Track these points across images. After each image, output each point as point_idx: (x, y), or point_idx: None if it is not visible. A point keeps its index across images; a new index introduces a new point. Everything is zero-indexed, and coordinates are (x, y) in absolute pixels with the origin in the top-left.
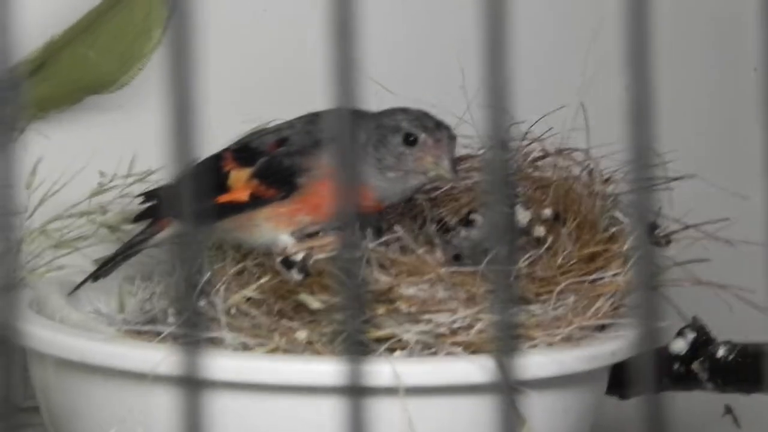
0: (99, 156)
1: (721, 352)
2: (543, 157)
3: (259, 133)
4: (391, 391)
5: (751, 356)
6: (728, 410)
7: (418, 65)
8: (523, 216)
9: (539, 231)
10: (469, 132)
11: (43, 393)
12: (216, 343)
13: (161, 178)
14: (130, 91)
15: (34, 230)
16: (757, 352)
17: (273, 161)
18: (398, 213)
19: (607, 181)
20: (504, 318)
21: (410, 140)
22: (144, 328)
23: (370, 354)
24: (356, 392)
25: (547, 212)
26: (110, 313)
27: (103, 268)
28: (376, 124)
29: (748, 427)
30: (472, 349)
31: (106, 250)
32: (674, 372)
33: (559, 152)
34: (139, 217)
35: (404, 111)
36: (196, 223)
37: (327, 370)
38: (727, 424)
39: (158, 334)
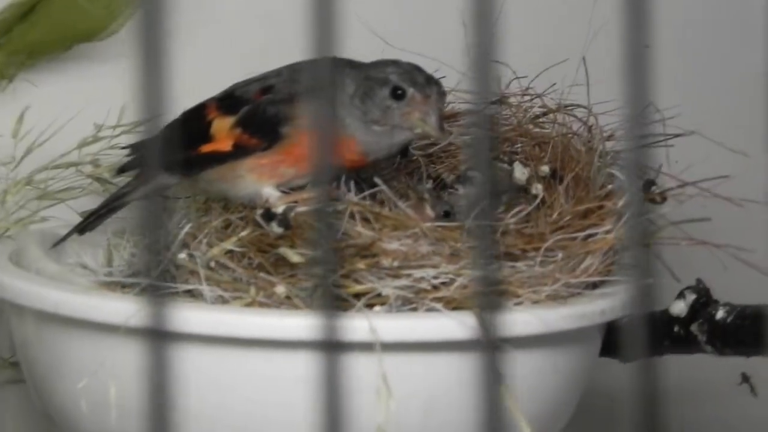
0: (88, 106)
1: (720, 314)
2: (544, 114)
3: (246, 81)
4: (367, 346)
5: (750, 318)
6: (745, 378)
7: (420, 20)
8: (521, 173)
9: (537, 188)
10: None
11: (22, 347)
12: (195, 295)
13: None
14: (120, 40)
15: (19, 180)
16: (756, 314)
17: (257, 109)
18: (394, 168)
19: (607, 137)
20: (487, 273)
21: (398, 94)
22: (122, 280)
23: (346, 308)
24: (331, 347)
25: (545, 169)
26: (96, 267)
27: (89, 221)
28: (365, 75)
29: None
30: (453, 305)
31: (92, 202)
32: (674, 334)
33: (560, 108)
34: (122, 169)
35: (395, 63)
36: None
37: (300, 324)
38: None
39: (138, 286)
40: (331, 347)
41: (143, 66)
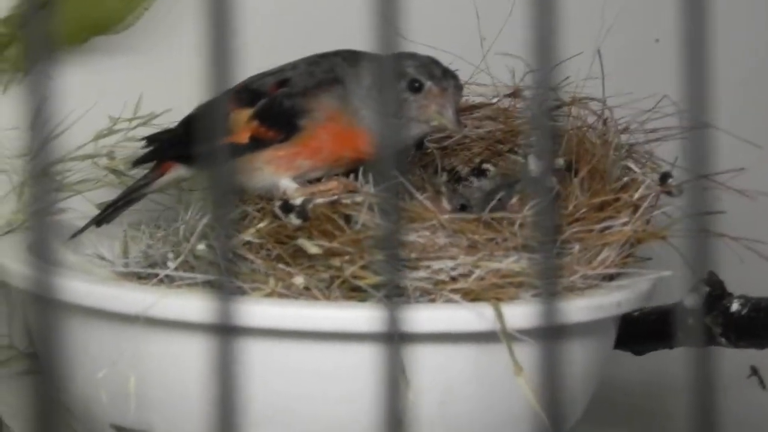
0: (104, 98)
1: (734, 306)
2: (558, 107)
3: (262, 74)
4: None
5: (765, 311)
6: (754, 371)
7: (435, 13)
8: (535, 165)
9: (551, 181)
10: (485, 81)
11: (38, 338)
12: (214, 286)
13: (166, 121)
14: (137, 33)
15: (36, 172)
16: None
17: (273, 102)
18: (409, 161)
19: (622, 130)
20: (547, 262)
21: (415, 87)
22: (139, 271)
23: (364, 299)
24: (395, 339)
25: (560, 161)
26: (113, 258)
27: (106, 213)
28: (382, 67)
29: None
30: (471, 296)
31: (108, 194)
32: (688, 327)
33: (574, 101)
34: (140, 161)
35: (412, 56)
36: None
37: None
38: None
39: (156, 277)
40: (395, 339)
41: (213, 33)
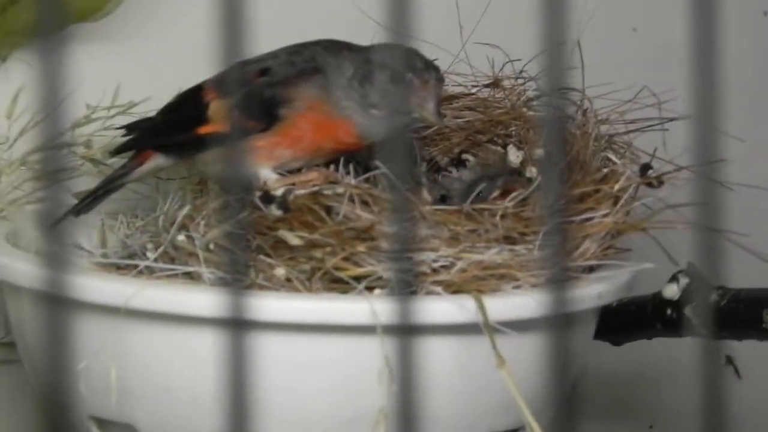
0: (82, 87)
1: (713, 297)
2: (538, 97)
3: (242, 63)
4: (369, 329)
5: (744, 302)
6: (729, 361)
7: (413, 1)
8: (515, 156)
9: (531, 171)
10: (464, 70)
11: (18, 328)
12: (193, 277)
13: (145, 110)
14: (115, 21)
15: (14, 161)
16: (749, 297)
17: (254, 92)
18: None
19: (601, 121)
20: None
21: (397, 78)
22: (118, 262)
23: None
24: (406, 331)
25: (539, 152)
26: (91, 248)
27: (84, 203)
28: (364, 58)
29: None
30: (453, 288)
31: (86, 183)
32: (667, 317)
33: (554, 92)
34: (119, 150)
35: (394, 48)
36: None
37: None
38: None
39: (135, 268)
40: (406, 331)
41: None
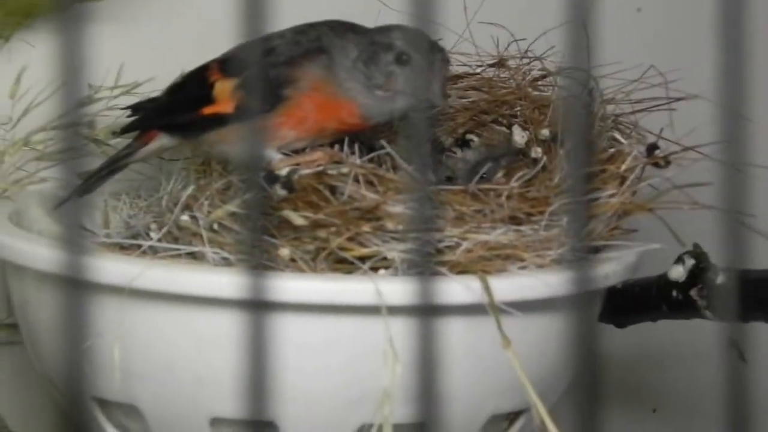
0: (85, 67)
1: (720, 279)
2: (543, 77)
3: (247, 43)
4: (374, 310)
5: (751, 283)
6: (733, 344)
7: None
8: (520, 136)
9: (537, 151)
10: (468, 50)
11: (21, 308)
12: (197, 258)
13: (149, 90)
14: (119, 1)
15: (17, 141)
16: (756, 279)
17: (258, 71)
18: (392, 131)
19: (607, 101)
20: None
21: (402, 60)
22: (122, 242)
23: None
24: (427, 311)
25: (545, 132)
26: (94, 228)
27: (88, 183)
28: (369, 39)
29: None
30: (458, 269)
31: (89, 163)
32: (672, 299)
33: (560, 71)
34: (124, 131)
35: (399, 29)
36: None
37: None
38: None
39: (139, 248)
40: (428, 311)
41: None
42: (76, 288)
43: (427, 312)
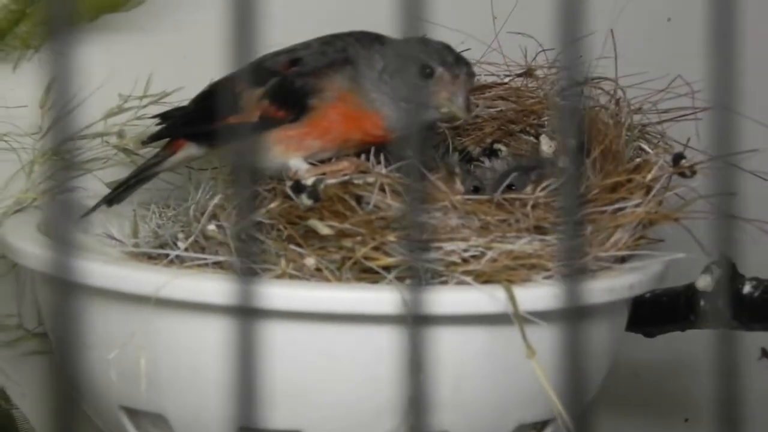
0: (114, 77)
1: (747, 288)
2: (570, 86)
3: (275, 53)
4: (399, 319)
5: None
6: (765, 353)
7: None
8: (547, 146)
9: (564, 161)
10: (497, 60)
11: (49, 318)
12: (224, 267)
13: (177, 99)
14: (147, 11)
15: (46, 151)
16: None
17: (284, 82)
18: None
19: (634, 110)
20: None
21: (427, 72)
22: (150, 251)
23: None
24: (418, 322)
25: (572, 142)
26: (122, 238)
27: (117, 193)
28: (395, 51)
29: None
30: (483, 278)
31: (119, 173)
32: (699, 309)
33: (587, 81)
34: (152, 139)
35: (425, 42)
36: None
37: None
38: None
39: (167, 257)
40: (418, 321)
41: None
42: (102, 296)
43: (454, 321)
